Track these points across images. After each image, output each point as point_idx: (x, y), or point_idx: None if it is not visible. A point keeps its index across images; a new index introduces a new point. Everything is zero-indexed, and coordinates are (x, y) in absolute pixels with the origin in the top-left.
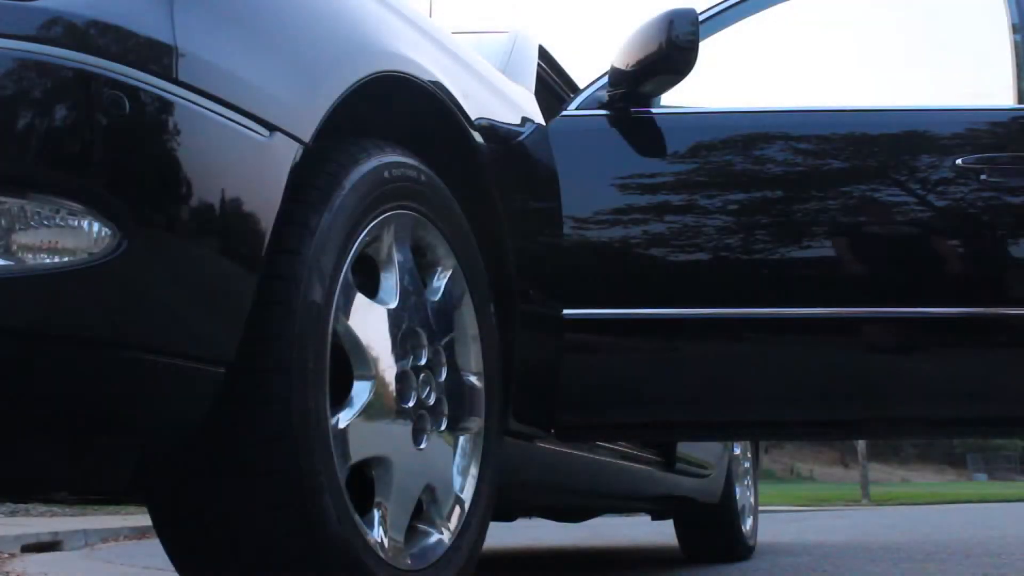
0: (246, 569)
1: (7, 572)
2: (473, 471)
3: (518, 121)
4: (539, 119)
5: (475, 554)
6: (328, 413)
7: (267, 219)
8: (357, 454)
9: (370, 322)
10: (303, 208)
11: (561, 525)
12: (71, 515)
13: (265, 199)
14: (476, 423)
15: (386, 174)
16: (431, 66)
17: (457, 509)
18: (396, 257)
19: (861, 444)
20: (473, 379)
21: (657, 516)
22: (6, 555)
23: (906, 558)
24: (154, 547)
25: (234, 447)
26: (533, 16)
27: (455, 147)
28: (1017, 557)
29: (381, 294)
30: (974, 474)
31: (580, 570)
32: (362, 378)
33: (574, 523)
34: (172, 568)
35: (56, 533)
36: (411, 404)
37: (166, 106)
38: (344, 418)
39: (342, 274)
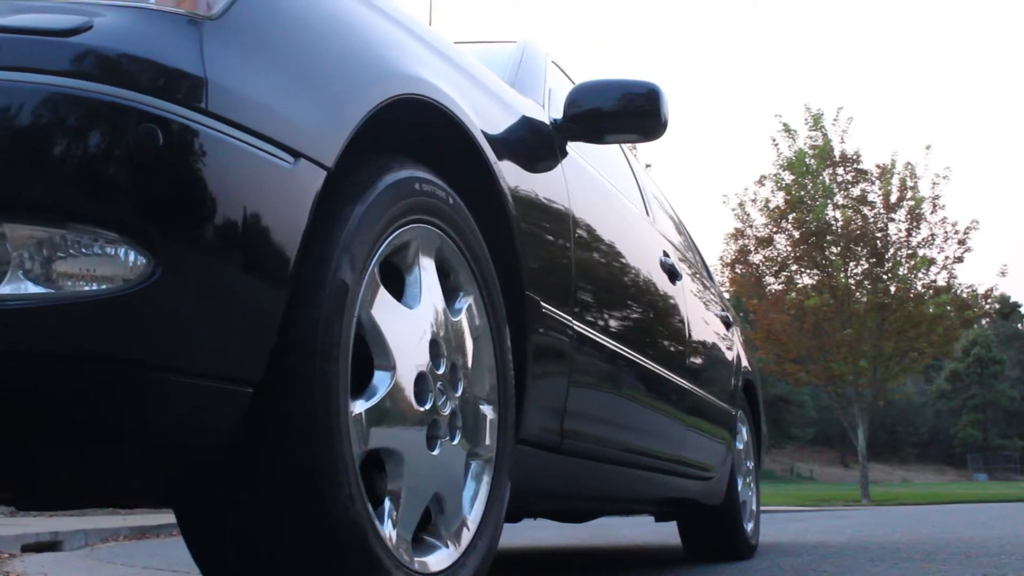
0: (263, 550)
1: (7, 572)
2: (482, 498)
3: (532, 139)
4: (550, 133)
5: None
6: (348, 399)
7: (292, 244)
8: (373, 442)
9: (394, 318)
10: (339, 200)
11: (562, 525)
12: (71, 515)
13: (290, 224)
14: (487, 452)
15: (417, 186)
16: (448, 88)
17: (465, 532)
18: (422, 270)
19: (861, 444)
20: (487, 409)
21: (661, 517)
22: (6, 555)
23: (906, 558)
24: (154, 547)
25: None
26: (533, 17)
27: (472, 169)
28: (1017, 557)
29: (406, 299)
30: (974, 474)
31: (581, 570)
32: (383, 368)
33: (577, 524)
34: (172, 568)
35: (56, 533)
36: (428, 407)
37: (198, 137)
38: (362, 405)
39: (372, 264)
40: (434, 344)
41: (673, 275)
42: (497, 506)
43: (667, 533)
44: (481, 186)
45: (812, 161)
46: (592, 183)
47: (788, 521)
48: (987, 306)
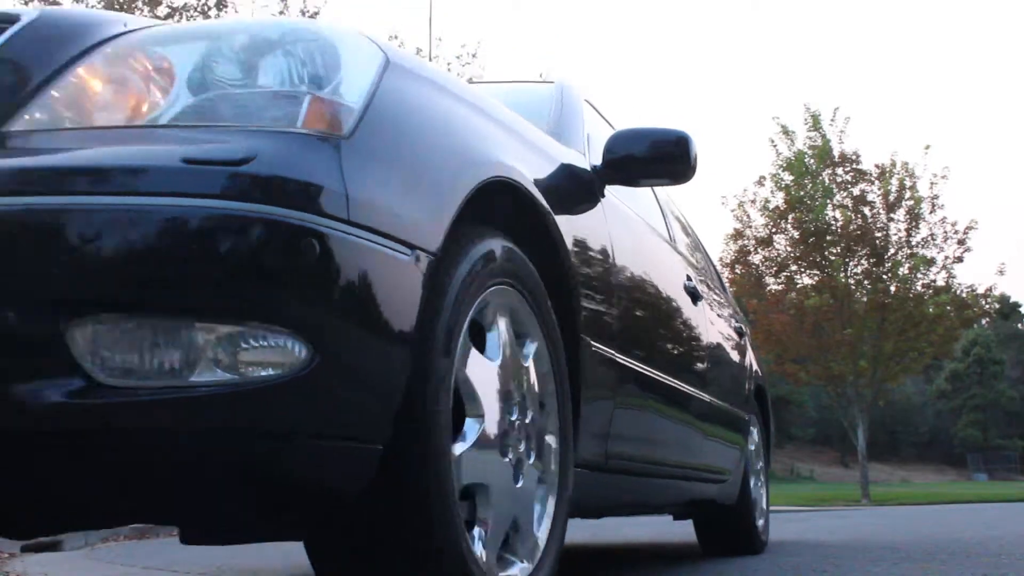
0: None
1: (7, 572)
2: (548, 519)
3: (580, 190)
4: (592, 179)
5: None
6: (450, 434)
7: (411, 322)
8: (467, 479)
9: (481, 368)
10: (473, 225)
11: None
12: None
13: (410, 305)
14: (552, 478)
15: (525, 268)
16: (520, 165)
17: (536, 549)
18: (528, 348)
19: (861, 444)
20: (551, 439)
21: (679, 516)
22: (6, 555)
23: (906, 558)
24: (154, 547)
25: None
26: (532, 17)
27: (538, 233)
28: (1017, 557)
29: (487, 353)
30: (974, 474)
31: (584, 567)
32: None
33: (590, 520)
34: (172, 568)
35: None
36: (510, 446)
37: (344, 244)
38: (460, 447)
39: (489, 286)
40: (518, 392)
41: (695, 296)
42: (560, 525)
43: (665, 531)
44: (545, 246)
45: (811, 161)
46: (627, 222)
47: (788, 521)
48: (987, 306)
